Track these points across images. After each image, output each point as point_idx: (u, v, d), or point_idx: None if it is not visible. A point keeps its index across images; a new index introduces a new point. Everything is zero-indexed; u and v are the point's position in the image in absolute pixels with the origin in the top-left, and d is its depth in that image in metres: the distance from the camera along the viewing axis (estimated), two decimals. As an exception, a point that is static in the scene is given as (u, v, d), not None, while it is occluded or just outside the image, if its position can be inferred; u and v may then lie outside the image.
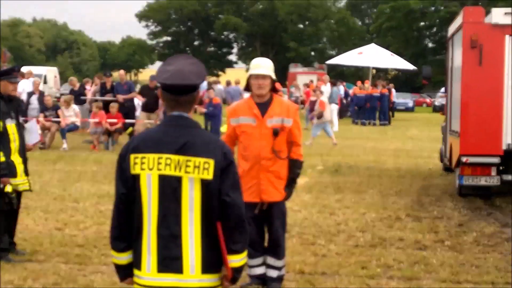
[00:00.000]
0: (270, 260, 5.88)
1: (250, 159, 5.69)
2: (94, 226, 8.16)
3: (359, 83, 32.07)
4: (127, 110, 17.28)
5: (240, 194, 3.17)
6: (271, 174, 5.70)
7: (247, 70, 7.13)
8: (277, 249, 5.86)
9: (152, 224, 3.11)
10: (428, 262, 6.82)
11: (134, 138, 3.26)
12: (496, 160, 9.55)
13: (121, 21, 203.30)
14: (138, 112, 17.82)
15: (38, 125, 7.69)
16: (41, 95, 17.68)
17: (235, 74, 36.58)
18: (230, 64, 79.07)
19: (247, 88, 5.87)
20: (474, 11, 9.65)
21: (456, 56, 10.53)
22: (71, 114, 17.43)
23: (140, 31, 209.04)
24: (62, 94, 28.19)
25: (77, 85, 20.78)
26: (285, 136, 5.72)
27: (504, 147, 9.51)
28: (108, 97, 18.06)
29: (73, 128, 17.70)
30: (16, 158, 6.73)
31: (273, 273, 5.88)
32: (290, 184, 5.80)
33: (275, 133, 5.65)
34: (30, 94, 17.64)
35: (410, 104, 44.84)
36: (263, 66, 5.72)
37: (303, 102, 35.92)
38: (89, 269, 6.42)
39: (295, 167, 5.76)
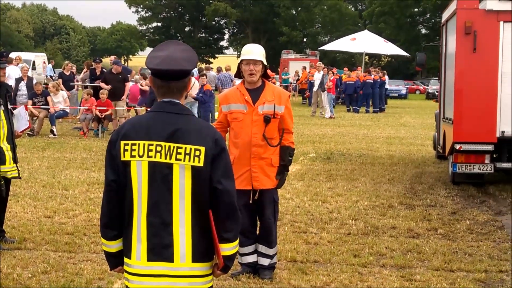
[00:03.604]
0: (262, 248, 5.85)
1: (241, 146, 5.63)
2: (84, 213, 8.08)
3: (345, 69, 32.00)
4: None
5: (232, 182, 3.12)
6: (263, 162, 5.66)
7: (239, 56, 7.04)
8: (268, 237, 5.82)
9: (142, 212, 3.06)
10: (421, 250, 6.80)
11: (125, 124, 3.22)
12: (490, 147, 9.51)
13: (110, 7, 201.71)
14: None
15: (26, 112, 7.56)
16: (30, 81, 17.49)
17: (226, 61, 36.44)
18: (221, 51, 78.77)
19: (238, 74, 5.80)
20: (469, -3, 9.57)
21: (450, 43, 10.46)
22: (60, 100, 17.26)
23: (130, 17, 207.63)
24: (51, 77, 28.00)
25: (70, 70, 20.57)
26: (277, 123, 5.68)
27: (498, 134, 9.47)
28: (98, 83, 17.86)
29: (62, 114, 17.53)
30: (4, 145, 6.63)
31: (265, 262, 5.84)
32: (282, 171, 5.75)
33: (266, 120, 5.60)
34: (18, 81, 17.45)
35: (403, 91, 44.85)
36: (254, 51, 5.65)
37: (295, 89, 35.91)
38: (78, 257, 6.36)
39: (286, 154, 5.72)
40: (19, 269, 5.96)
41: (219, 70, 23.59)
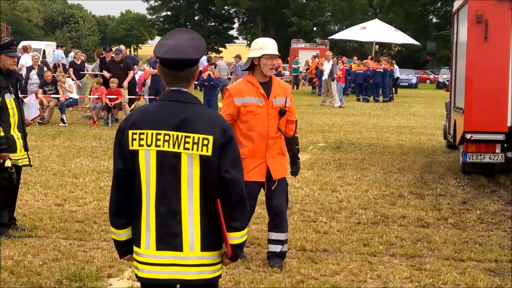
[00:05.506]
0: (272, 235, 5.85)
1: (256, 139, 5.72)
2: (94, 202, 8.12)
3: (355, 59, 31.86)
4: (129, 85, 17.10)
5: (241, 171, 3.12)
6: (276, 152, 5.81)
7: (248, 45, 7.07)
8: (280, 222, 5.84)
9: (151, 201, 3.07)
10: (431, 239, 6.78)
11: (133, 113, 3.20)
12: (500, 137, 9.44)
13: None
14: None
15: (37, 100, 7.58)
16: (40, 70, 17.54)
17: (237, 50, 36.40)
18: (231, 40, 78.60)
19: (251, 67, 5.80)
20: (480, -14, 9.47)
21: (461, 32, 10.38)
22: (67, 87, 17.30)
23: (140, 6, 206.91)
24: (63, 65, 27.82)
25: (81, 59, 20.60)
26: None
27: (509, 124, 9.39)
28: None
29: (72, 103, 17.57)
30: (15, 133, 6.66)
31: (276, 248, 5.85)
32: (294, 160, 6.00)
33: (282, 113, 5.75)
34: (29, 69, 17.51)
35: (414, 80, 44.61)
36: (274, 46, 5.81)
37: (305, 78, 35.81)
38: (89, 245, 6.39)
39: (293, 144, 5.94)
40: (30, 257, 6.00)
41: (240, 57, 23.58)
